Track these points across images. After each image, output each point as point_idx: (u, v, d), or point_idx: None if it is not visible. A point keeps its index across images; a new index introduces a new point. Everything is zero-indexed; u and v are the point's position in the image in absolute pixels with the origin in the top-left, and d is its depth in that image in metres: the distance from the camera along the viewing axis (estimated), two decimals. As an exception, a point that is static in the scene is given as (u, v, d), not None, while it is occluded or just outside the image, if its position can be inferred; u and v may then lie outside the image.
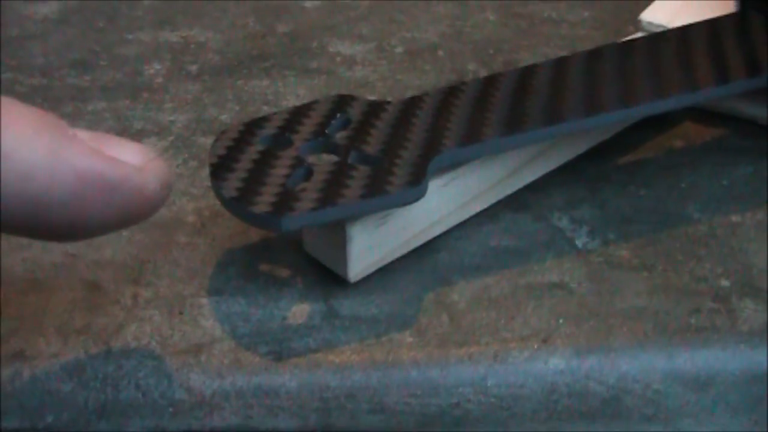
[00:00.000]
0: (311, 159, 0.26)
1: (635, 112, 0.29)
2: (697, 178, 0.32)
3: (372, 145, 0.26)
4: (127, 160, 0.22)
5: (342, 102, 0.28)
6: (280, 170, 0.25)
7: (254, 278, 0.28)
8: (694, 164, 0.33)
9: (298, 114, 0.28)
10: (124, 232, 0.29)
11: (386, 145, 0.26)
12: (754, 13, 0.34)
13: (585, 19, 0.41)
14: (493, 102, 0.28)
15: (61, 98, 0.35)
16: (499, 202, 0.30)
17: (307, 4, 0.41)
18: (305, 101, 0.35)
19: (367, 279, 0.27)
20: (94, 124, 0.34)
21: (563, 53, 0.37)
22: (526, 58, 0.38)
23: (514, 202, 0.30)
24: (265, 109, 0.34)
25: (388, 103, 0.28)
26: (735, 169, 0.33)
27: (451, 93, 0.29)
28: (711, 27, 0.33)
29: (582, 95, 0.29)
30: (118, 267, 0.28)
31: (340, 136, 0.27)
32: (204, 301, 0.27)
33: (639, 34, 0.35)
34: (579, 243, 0.29)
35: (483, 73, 0.37)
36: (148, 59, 0.37)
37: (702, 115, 0.35)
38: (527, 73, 0.30)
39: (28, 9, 0.41)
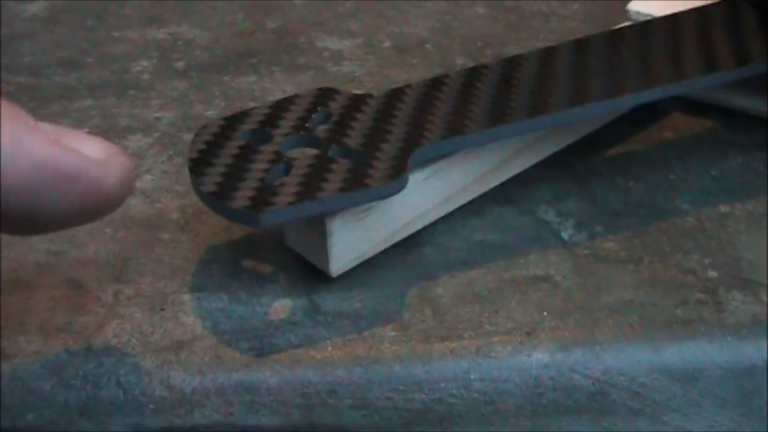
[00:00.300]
0: (292, 153, 0.26)
1: (621, 102, 0.29)
2: (686, 170, 0.32)
3: (353, 139, 0.26)
4: (88, 154, 0.21)
5: (323, 95, 0.28)
6: (259, 165, 0.25)
7: (237, 275, 0.27)
8: (684, 156, 0.32)
9: (279, 108, 0.27)
10: (107, 230, 0.29)
11: (367, 138, 0.26)
12: (743, 2, 0.34)
13: (575, 12, 0.41)
14: (476, 94, 0.28)
15: (49, 97, 0.35)
16: (485, 196, 0.30)
17: (296, 1, 0.41)
18: (291, 97, 0.34)
19: (350, 274, 0.27)
20: (80, 121, 0.34)
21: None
22: (515, 52, 0.37)
23: (501, 196, 0.30)
24: (252, 106, 0.34)
25: (370, 96, 0.28)
26: (725, 160, 0.32)
27: (434, 85, 0.28)
28: (699, 16, 0.33)
29: (567, 86, 0.29)
30: (100, 265, 0.28)
31: (320, 130, 0.27)
32: (186, 297, 0.27)
33: (627, 24, 0.35)
34: (565, 236, 0.29)
35: (472, 67, 0.37)
36: (135, 57, 0.37)
37: (692, 106, 0.34)
38: (512, 64, 0.30)
39: (18, 8, 0.41)
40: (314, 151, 0.26)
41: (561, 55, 0.30)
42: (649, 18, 0.34)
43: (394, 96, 0.28)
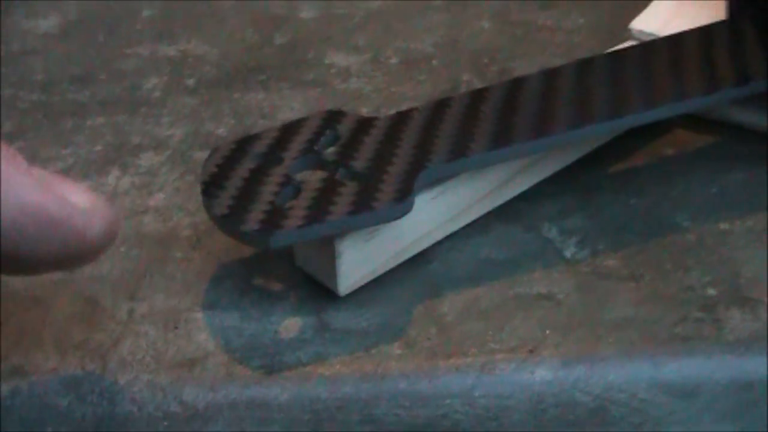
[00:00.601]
0: (301, 176, 0.27)
1: (623, 123, 0.29)
2: (688, 185, 0.32)
3: (360, 161, 0.27)
4: (74, 202, 0.22)
5: (331, 118, 0.29)
6: (269, 188, 0.26)
7: (248, 292, 0.28)
8: (686, 172, 0.33)
9: (288, 131, 0.28)
10: (122, 248, 0.30)
11: (374, 161, 0.27)
12: (744, 19, 0.34)
13: (580, 26, 0.41)
14: (480, 116, 0.29)
15: (61, 113, 0.36)
16: (490, 213, 0.31)
17: (304, 15, 0.42)
18: (300, 114, 0.35)
19: (358, 291, 0.28)
20: (93, 138, 0.34)
21: (558, 61, 0.37)
22: (520, 67, 0.38)
23: (506, 213, 0.31)
24: (261, 123, 0.35)
25: (377, 118, 0.29)
26: (727, 176, 0.33)
27: (439, 107, 0.29)
28: (701, 35, 0.34)
29: (570, 107, 0.29)
30: (115, 282, 0.29)
31: (328, 153, 0.27)
32: (198, 315, 0.28)
33: (630, 43, 0.35)
34: (568, 254, 0.30)
35: (477, 82, 0.37)
36: (146, 73, 0.38)
37: (694, 122, 0.35)
38: (516, 85, 0.30)
39: (30, 24, 0.41)
40: (323, 174, 0.27)
41: (564, 76, 0.31)
42: (652, 36, 0.35)
43: (401, 119, 0.29)
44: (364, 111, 0.35)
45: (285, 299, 0.28)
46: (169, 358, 0.26)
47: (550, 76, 0.31)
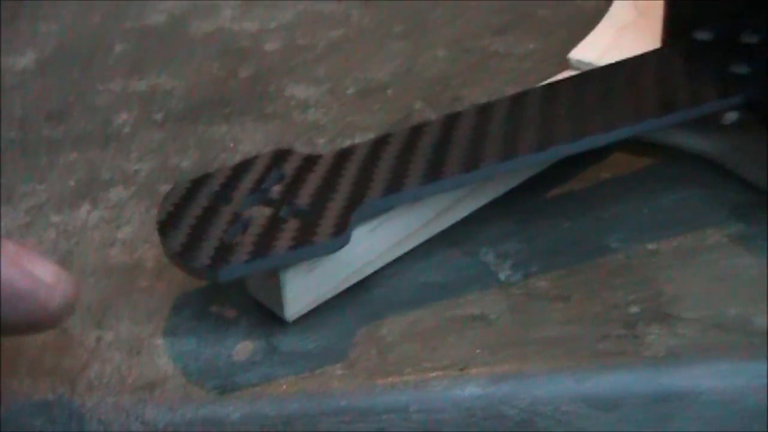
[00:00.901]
0: (249, 213, 0.29)
1: (550, 155, 0.32)
2: (620, 208, 0.34)
3: (302, 198, 0.29)
4: (40, 276, 0.25)
5: (279, 156, 0.31)
6: (219, 225, 0.28)
7: (205, 319, 0.31)
8: (620, 194, 0.35)
9: (239, 170, 0.31)
10: (91, 278, 0.32)
11: (315, 197, 0.29)
12: (675, 49, 0.36)
13: (532, 51, 0.43)
14: (416, 152, 0.31)
15: (37, 150, 0.38)
16: (432, 238, 0.33)
17: (269, 47, 0.44)
18: (260, 146, 0.38)
19: (305, 316, 0.30)
20: (66, 174, 0.37)
21: (508, 87, 0.39)
22: (471, 94, 0.40)
23: (447, 238, 0.33)
24: (223, 156, 0.37)
25: (320, 156, 0.31)
26: (660, 197, 0.35)
27: (378, 144, 0.31)
28: (633, 65, 0.36)
29: (500, 141, 0.32)
30: (84, 311, 0.31)
31: (274, 191, 0.30)
32: (159, 341, 0.30)
33: (569, 72, 0.37)
34: (502, 276, 0.32)
35: (429, 111, 0.39)
36: (117, 108, 0.40)
37: (631, 144, 0.36)
38: (451, 121, 0.33)
39: (9, 62, 0.44)
40: (269, 211, 0.29)
41: (498, 110, 0.33)
42: (589, 66, 0.37)
43: (342, 156, 0.31)
44: (321, 142, 0.38)
45: (238, 325, 0.30)
46: (132, 381, 0.29)
47: (484, 110, 0.33)
